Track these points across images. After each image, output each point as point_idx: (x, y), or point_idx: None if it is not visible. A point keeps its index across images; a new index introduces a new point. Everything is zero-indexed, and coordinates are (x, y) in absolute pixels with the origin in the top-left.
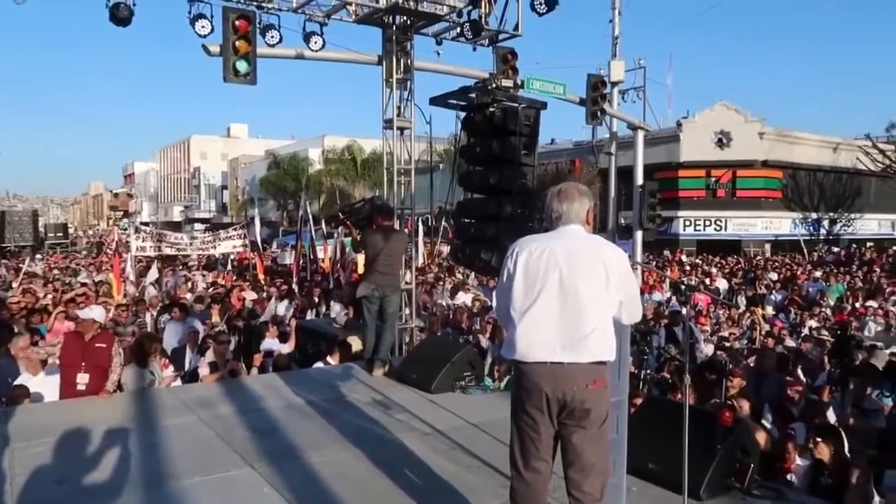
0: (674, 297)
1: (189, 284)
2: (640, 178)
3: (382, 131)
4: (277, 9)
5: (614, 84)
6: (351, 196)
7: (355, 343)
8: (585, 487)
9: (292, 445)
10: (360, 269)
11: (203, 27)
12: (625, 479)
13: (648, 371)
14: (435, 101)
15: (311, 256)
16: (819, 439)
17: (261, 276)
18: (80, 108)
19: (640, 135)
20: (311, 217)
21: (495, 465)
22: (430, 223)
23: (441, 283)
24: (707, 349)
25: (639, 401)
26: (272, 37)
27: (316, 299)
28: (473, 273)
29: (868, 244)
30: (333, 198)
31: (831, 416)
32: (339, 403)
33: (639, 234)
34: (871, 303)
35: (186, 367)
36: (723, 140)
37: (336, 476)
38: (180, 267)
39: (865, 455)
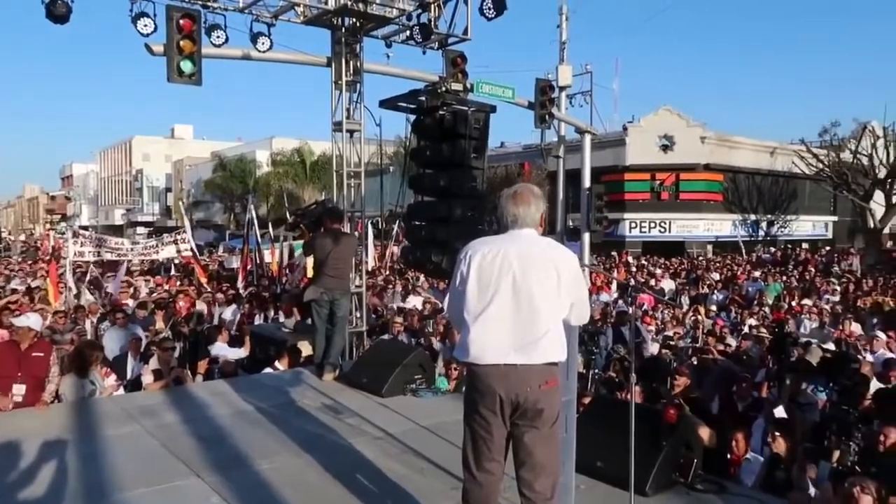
0: (621, 298)
1: (131, 290)
2: (587, 181)
3: (332, 133)
4: (223, 8)
5: (562, 88)
6: (300, 199)
7: (305, 348)
8: (537, 486)
9: (241, 453)
10: (310, 273)
11: (145, 26)
12: (574, 477)
13: (596, 371)
14: (385, 103)
15: (258, 261)
16: (777, 434)
17: (203, 281)
18: (13, 107)
19: (588, 138)
20: (256, 220)
21: (447, 468)
22: (380, 226)
23: (392, 286)
24: (653, 348)
25: (586, 400)
26: (218, 37)
27: (264, 304)
28: (424, 275)
29: (803, 245)
30: (282, 200)
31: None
32: (289, 409)
33: (587, 236)
34: (806, 301)
35: (129, 375)
36: (667, 144)
37: (286, 483)
38: (123, 272)
39: (801, 448)
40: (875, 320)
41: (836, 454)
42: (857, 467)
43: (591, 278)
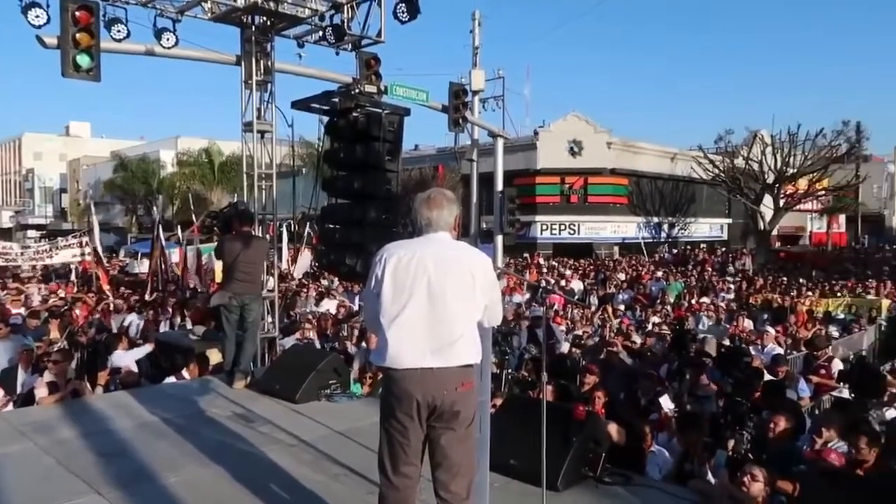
0: (533, 299)
1: (22, 298)
2: (500, 184)
3: (242, 134)
4: (125, 1)
5: (475, 93)
6: (208, 201)
7: (214, 355)
8: (453, 487)
9: (145, 467)
10: (219, 278)
11: (37, 17)
12: (488, 476)
13: (510, 371)
14: (297, 104)
15: (164, 266)
16: (682, 430)
17: (105, 287)
18: None
19: (500, 142)
20: (159, 223)
21: (362, 473)
22: (293, 229)
23: (305, 290)
24: (564, 347)
25: (498, 400)
26: (118, 31)
27: (170, 310)
28: (338, 279)
29: (701, 246)
30: (189, 203)
31: (669, 404)
32: (198, 419)
33: (499, 238)
34: (704, 299)
35: (19, 389)
36: (575, 149)
37: (195, 496)
38: (10, 279)
39: (700, 439)
40: (765, 316)
41: (731, 443)
42: (749, 454)
43: (504, 280)
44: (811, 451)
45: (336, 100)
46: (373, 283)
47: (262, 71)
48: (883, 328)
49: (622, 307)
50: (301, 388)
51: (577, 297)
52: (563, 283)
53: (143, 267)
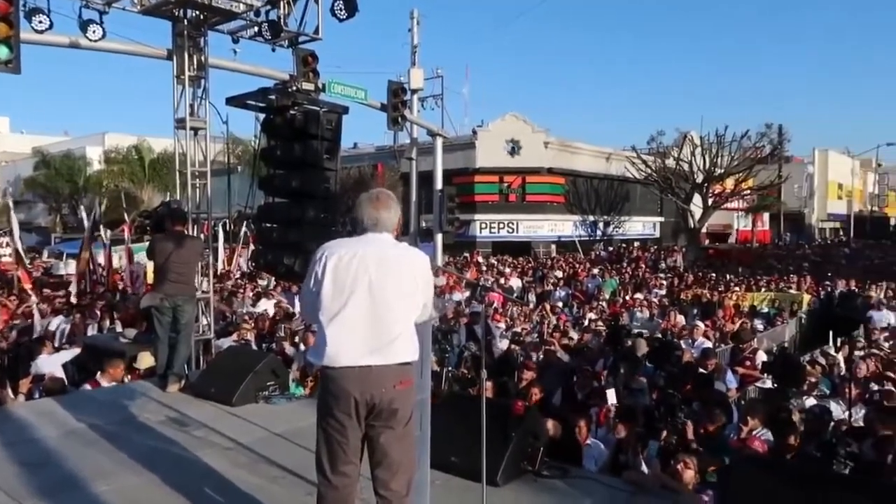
0: (472, 297)
1: None
2: (439, 183)
3: (174, 131)
4: None
5: (414, 91)
6: (139, 199)
7: (147, 359)
8: (392, 485)
9: (73, 476)
10: (151, 279)
11: (41, 22)
12: (429, 473)
13: (450, 368)
14: (232, 101)
15: (92, 266)
16: (619, 422)
17: (28, 289)
18: None
19: (439, 141)
20: (91, 223)
21: (301, 474)
22: (228, 228)
23: (242, 290)
24: (503, 344)
25: (438, 398)
26: (40, 22)
27: (99, 312)
28: (276, 279)
29: (635, 243)
30: (118, 202)
31: (614, 399)
32: (129, 425)
33: (439, 237)
34: (638, 295)
35: None
36: (513, 148)
37: None
38: None
39: (635, 431)
40: (695, 311)
41: (664, 434)
42: (681, 445)
43: (444, 278)
44: (737, 440)
45: (273, 97)
46: (312, 281)
47: (194, 66)
48: (803, 321)
49: (560, 304)
50: (238, 391)
51: (515, 294)
52: (502, 280)
53: (69, 268)
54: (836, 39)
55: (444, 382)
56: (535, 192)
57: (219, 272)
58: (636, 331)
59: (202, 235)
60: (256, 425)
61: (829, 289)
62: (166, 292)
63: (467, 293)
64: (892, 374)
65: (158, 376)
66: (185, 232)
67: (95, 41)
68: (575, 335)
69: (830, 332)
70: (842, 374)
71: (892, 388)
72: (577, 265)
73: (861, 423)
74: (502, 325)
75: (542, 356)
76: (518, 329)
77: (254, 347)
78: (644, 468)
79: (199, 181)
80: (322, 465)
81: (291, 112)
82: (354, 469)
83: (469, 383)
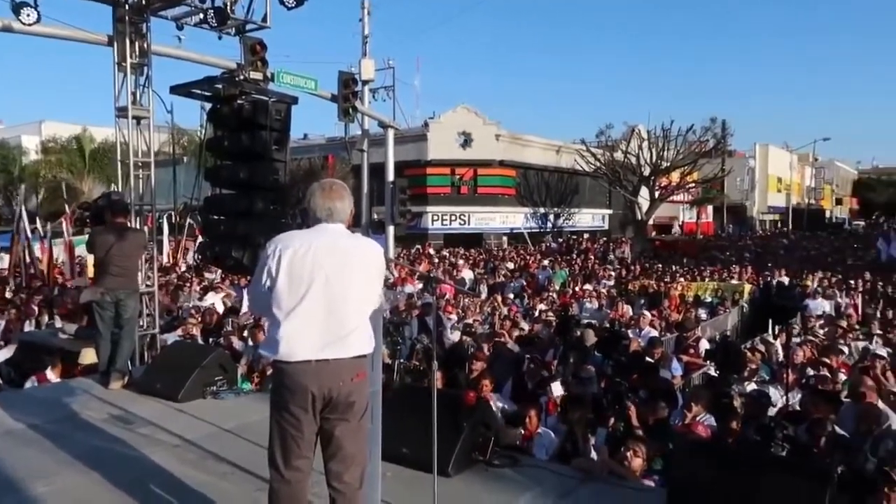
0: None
1: None
2: (391, 175)
3: (116, 120)
4: None
5: (365, 82)
6: (79, 190)
7: (88, 355)
8: (346, 478)
9: (10, 477)
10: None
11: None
12: (380, 465)
13: (402, 360)
14: (177, 89)
15: (28, 259)
16: (568, 412)
17: None
18: None
19: (391, 133)
20: (21, 215)
21: (251, 469)
22: (174, 220)
23: (188, 284)
24: (454, 336)
25: (391, 390)
26: None
27: (36, 308)
28: (220, 272)
29: (584, 235)
30: (57, 193)
31: (559, 390)
32: (70, 423)
33: (391, 229)
34: (587, 286)
35: None
36: (465, 140)
37: None
38: None
39: (584, 419)
40: (642, 301)
41: (612, 421)
42: (629, 432)
43: (395, 270)
44: (682, 425)
45: (219, 86)
46: (265, 276)
47: (136, 53)
48: (745, 310)
49: (511, 295)
50: (184, 387)
51: (467, 286)
52: (454, 272)
53: (3, 262)
54: (779, 36)
55: (395, 375)
56: (486, 185)
57: (164, 265)
58: (585, 321)
59: (146, 228)
60: (204, 421)
61: (768, 279)
62: (107, 286)
63: (419, 285)
64: (826, 360)
65: (100, 373)
66: (128, 224)
67: (29, 25)
68: (526, 326)
69: (769, 321)
70: (780, 360)
71: (827, 374)
72: (528, 257)
73: (798, 408)
74: (454, 317)
75: (491, 347)
76: (470, 320)
77: (200, 342)
78: (593, 455)
79: (143, 172)
80: (275, 459)
81: (239, 101)
82: (308, 463)
83: (421, 375)
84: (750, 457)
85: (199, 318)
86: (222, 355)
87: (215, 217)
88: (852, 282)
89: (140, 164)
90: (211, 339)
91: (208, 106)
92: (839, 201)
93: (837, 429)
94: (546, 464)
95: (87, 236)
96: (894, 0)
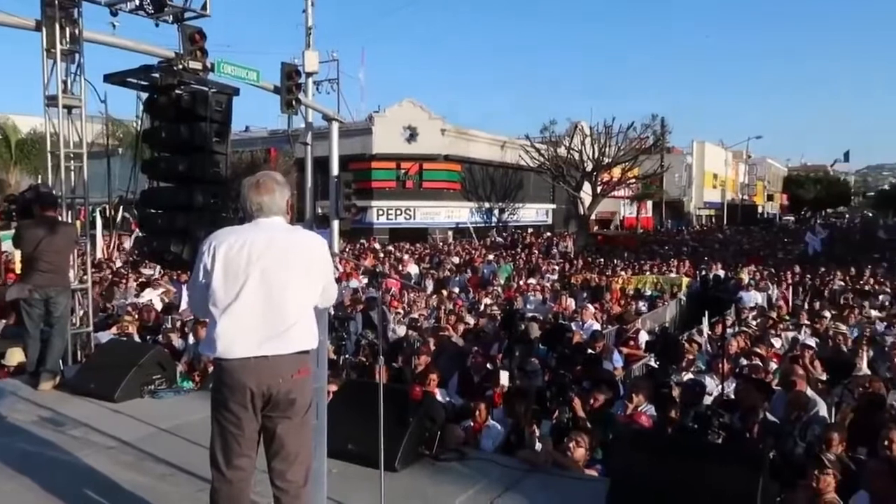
0: (370, 284)
1: None
2: (335, 169)
3: (45, 109)
4: None
5: (308, 74)
6: (5, 183)
7: (14, 355)
8: (289, 476)
9: None
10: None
11: None
12: (326, 462)
13: (347, 356)
14: (111, 78)
15: None
16: (512, 404)
17: None
18: None
19: (335, 126)
20: None
21: (192, 470)
22: (108, 214)
23: (125, 280)
24: (400, 331)
25: (334, 387)
26: None
27: None
28: (162, 267)
29: (528, 230)
30: None
31: (504, 378)
32: None
33: (335, 224)
34: (532, 280)
35: None
36: (410, 135)
37: None
38: None
39: (530, 410)
40: (585, 294)
41: (556, 413)
42: (571, 423)
43: (340, 265)
44: (624, 416)
45: (157, 75)
46: (201, 272)
47: (67, 39)
48: (682, 303)
49: (456, 290)
50: (120, 386)
51: (413, 280)
52: (399, 267)
53: None
54: (715, 32)
55: (341, 370)
56: (431, 179)
57: (97, 261)
58: (530, 315)
59: (78, 222)
60: (142, 422)
61: (704, 272)
62: (36, 283)
63: (364, 280)
64: (758, 350)
65: (28, 374)
66: (58, 218)
67: None
68: (471, 320)
69: (706, 312)
70: (715, 351)
71: (759, 363)
72: (473, 251)
73: (732, 396)
74: (400, 312)
75: (436, 341)
76: (415, 315)
77: (137, 340)
78: (538, 446)
79: (75, 164)
80: (216, 459)
81: (177, 92)
82: (250, 462)
83: (366, 371)
84: (688, 444)
85: (136, 316)
86: (161, 353)
87: (153, 211)
88: (783, 275)
89: (72, 155)
90: (149, 337)
91: (145, 96)
92: (770, 197)
93: (769, 416)
94: (492, 456)
95: (13, 231)
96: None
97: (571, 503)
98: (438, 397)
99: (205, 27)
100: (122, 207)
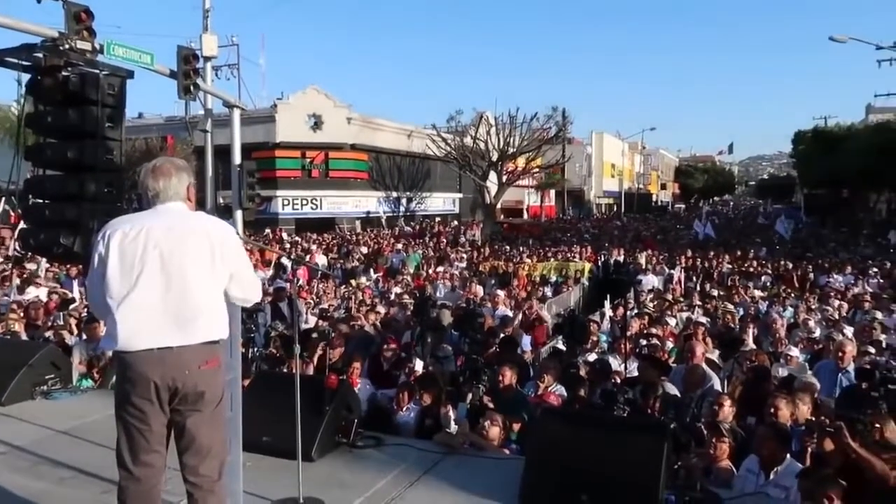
0: (277, 275)
1: None
2: (237, 158)
3: None
4: None
5: (207, 59)
6: None
7: None
8: (202, 470)
9: None
10: None
11: None
12: (241, 456)
13: (257, 349)
14: None
15: None
16: (423, 389)
17: None
18: None
19: (237, 113)
20: None
21: (95, 472)
22: None
23: (8, 276)
24: (310, 321)
25: (247, 382)
26: None
27: None
28: (45, 261)
29: (436, 219)
30: None
31: (420, 365)
32: None
33: (239, 214)
34: (441, 268)
35: None
36: (316, 123)
37: None
38: None
39: (441, 395)
40: (493, 281)
41: (470, 395)
42: (486, 404)
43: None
44: (536, 396)
45: (40, 55)
46: (96, 263)
47: None
48: (585, 287)
49: (364, 279)
50: (8, 388)
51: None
52: (307, 258)
53: None
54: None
55: (251, 363)
56: (338, 168)
57: None
58: (440, 303)
59: None
60: (35, 424)
61: (604, 257)
62: None
63: (271, 272)
64: (655, 331)
65: None
66: None
67: None
68: (382, 309)
69: (608, 296)
70: (617, 332)
71: (657, 342)
72: (382, 241)
73: (635, 374)
74: (310, 302)
75: (348, 331)
76: (325, 305)
77: (25, 339)
78: (453, 429)
79: None
80: (123, 456)
81: (64, 73)
82: (159, 458)
83: (278, 362)
84: (597, 420)
85: (22, 314)
86: (53, 352)
87: (39, 201)
88: (677, 258)
89: None
90: (38, 336)
91: (26, 77)
92: (664, 186)
93: (670, 389)
94: (409, 441)
95: None
96: None
97: (488, 481)
98: (361, 387)
99: (92, 6)
100: (2, 199)
